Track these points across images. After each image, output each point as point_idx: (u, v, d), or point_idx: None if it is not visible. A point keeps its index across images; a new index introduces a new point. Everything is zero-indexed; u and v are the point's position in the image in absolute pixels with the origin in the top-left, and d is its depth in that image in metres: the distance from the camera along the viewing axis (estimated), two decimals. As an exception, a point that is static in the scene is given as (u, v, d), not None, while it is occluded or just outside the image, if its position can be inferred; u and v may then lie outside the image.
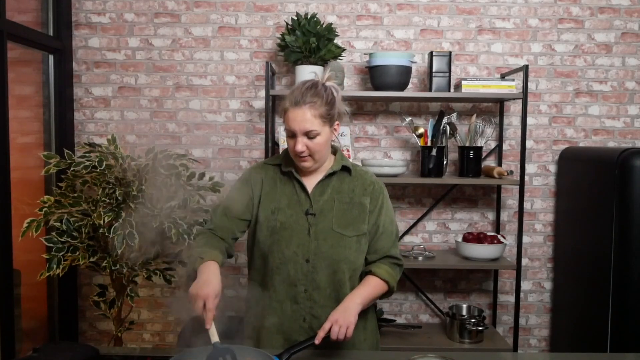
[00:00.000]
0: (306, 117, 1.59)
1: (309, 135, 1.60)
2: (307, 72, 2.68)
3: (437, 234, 3.09)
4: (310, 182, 1.71)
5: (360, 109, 3.02)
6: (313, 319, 1.66)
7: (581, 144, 3.04)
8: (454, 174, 2.98)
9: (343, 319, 1.53)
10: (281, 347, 1.64)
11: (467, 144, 2.82)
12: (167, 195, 2.37)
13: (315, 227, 1.66)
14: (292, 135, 1.62)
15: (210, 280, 1.48)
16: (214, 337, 1.39)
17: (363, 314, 1.71)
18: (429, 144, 2.77)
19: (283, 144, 2.76)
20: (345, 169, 1.73)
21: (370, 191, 1.72)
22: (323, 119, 1.61)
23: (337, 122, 1.68)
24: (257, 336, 1.73)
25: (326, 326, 1.52)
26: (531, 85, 2.99)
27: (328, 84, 1.65)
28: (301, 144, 1.61)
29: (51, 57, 2.86)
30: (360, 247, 1.69)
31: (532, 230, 3.08)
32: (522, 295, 3.06)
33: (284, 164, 1.74)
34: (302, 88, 1.62)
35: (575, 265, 2.81)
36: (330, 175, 1.71)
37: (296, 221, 1.67)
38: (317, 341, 1.50)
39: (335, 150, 1.77)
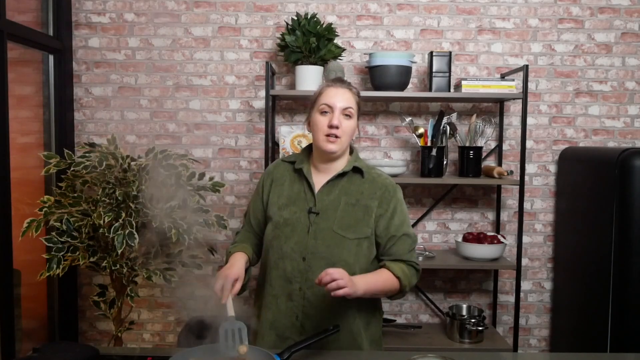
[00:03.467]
0: (347, 95, 1.69)
1: (346, 112, 1.67)
2: (307, 72, 2.68)
3: (437, 234, 3.09)
4: (319, 181, 1.72)
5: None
6: (305, 317, 1.65)
7: (581, 144, 3.04)
8: (454, 174, 2.98)
9: (344, 281, 1.44)
10: (274, 344, 1.65)
11: (467, 144, 2.82)
12: (167, 195, 2.37)
13: (316, 226, 1.65)
14: (327, 111, 1.67)
15: (232, 265, 1.62)
16: (231, 312, 1.50)
17: (366, 318, 1.71)
18: (429, 144, 2.77)
19: (283, 144, 2.76)
20: (358, 170, 1.72)
21: (380, 195, 1.69)
22: (357, 105, 1.71)
23: (358, 120, 1.75)
24: (255, 331, 1.74)
25: (322, 276, 1.45)
26: (531, 85, 3.00)
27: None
28: (337, 119, 1.65)
29: (51, 57, 2.86)
30: (361, 251, 1.67)
31: (532, 230, 3.08)
32: (522, 295, 3.06)
33: (298, 162, 1.75)
34: (339, 78, 1.76)
35: (575, 265, 2.81)
36: (340, 176, 1.71)
37: (298, 218, 1.67)
38: (317, 281, 1.46)
39: (351, 151, 1.78)
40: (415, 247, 1.74)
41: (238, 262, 1.63)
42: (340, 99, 1.67)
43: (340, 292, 1.45)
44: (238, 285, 1.56)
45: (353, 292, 1.47)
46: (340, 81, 1.72)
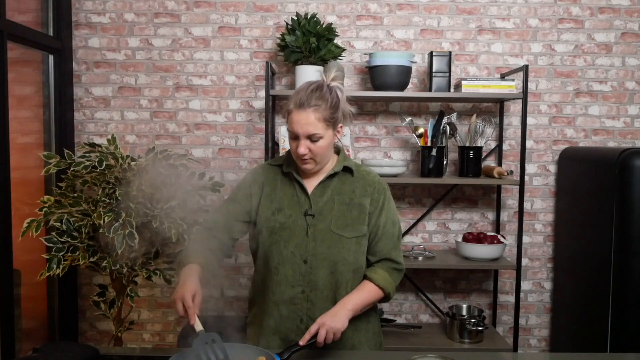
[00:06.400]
0: (310, 120, 1.58)
1: (312, 138, 1.60)
2: (307, 72, 2.68)
3: (437, 234, 3.09)
4: (310, 183, 1.71)
5: (360, 109, 3.02)
6: (310, 320, 1.64)
7: (581, 144, 3.04)
8: (454, 174, 2.98)
9: (330, 323, 1.52)
10: (278, 347, 1.64)
11: (467, 144, 2.82)
12: (167, 195, 2.37)
13: (314, 227, 1.65)
14: (294, 137, 1.62)
15: (184, 282, 1.54)
16: (199, 327, 1.47)
17: (364, 316, 1.71)
18: (429, 144, 2.77)
19: (283, 144, 2.76)
20: (347, 169, 1.72)
21: (371, 192, 1.70)
22: (327, 122, 1.60)
23: (340, 125, 1.67)
24: (257, 336, 1.73)
25: (312, 329, 1.52)
26: (531, 85, 3.00)
27: (333, 84, 1.64)
28: (304, 147, 1.60)
29: (51, 57, 2.86)
30: (360, 249, 1.68)
31: (532, 230, 3.08)
32: (522, 295, 3.06)
33: (285, 165, 1.73)
34: (307, 90, 1.61)
35: (575, 265, 2.81)
36: (331, 177, 1.70)
37: (295, 222, 1.66)
38: (301, 342, 1.51)
39: (338, 150, 1.76)
40: (400, 245, 1.74)
41: (190, 278, 1.54)
42: (303, 124, 1.58)
43: (337, 336, 1.53)
44: (198, 299, 1.50)
45: (342, 326, 1.54)
46: (304, 100, 1.58)
